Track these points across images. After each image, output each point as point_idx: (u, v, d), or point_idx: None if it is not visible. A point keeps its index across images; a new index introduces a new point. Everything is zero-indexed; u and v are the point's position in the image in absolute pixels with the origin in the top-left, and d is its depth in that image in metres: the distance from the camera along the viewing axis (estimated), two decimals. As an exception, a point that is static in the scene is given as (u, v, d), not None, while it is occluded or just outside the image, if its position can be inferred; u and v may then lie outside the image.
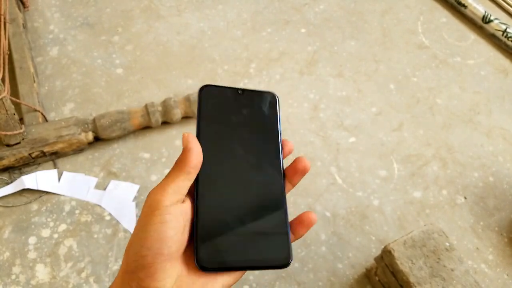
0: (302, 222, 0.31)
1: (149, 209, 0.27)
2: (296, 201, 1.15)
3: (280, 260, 0.29)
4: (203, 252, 0.28)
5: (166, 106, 1.21)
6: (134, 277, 0.26)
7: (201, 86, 0.33)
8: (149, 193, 0.28)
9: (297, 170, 0.32)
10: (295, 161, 0.32)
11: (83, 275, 1.01)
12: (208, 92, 0.32)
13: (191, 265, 0.28)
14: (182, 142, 0.30)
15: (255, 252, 0.29)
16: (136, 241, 0.27)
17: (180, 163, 0.29)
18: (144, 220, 0.27)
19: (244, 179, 0.30)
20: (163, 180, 0.29)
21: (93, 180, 1.15)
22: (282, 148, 0.33)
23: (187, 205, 0.29)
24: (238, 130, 0.32)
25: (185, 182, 0.28)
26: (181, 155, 0.29)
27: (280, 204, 0.30)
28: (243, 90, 0.34)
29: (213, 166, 0.30)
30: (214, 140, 0.31)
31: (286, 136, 1.29)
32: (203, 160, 0.30)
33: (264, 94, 0.34)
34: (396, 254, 0.87)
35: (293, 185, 0.33)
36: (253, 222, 0.29)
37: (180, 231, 0.27)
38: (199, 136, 0.31)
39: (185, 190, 0.29)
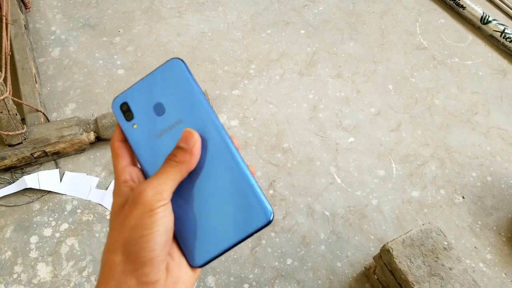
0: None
1: (149, 206, 0.27)
2: (295, 201, 1.16)
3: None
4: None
5: (166, 106, 1.22)
6: (134, 274, 0.26)
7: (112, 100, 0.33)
8: (143, 188, 0.28)
9: None
10: None
11: (85, 273, 1.02)
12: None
13: (172, 250, 0.29)
14: (184, 139, 0.29)
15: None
16: (140, 238, 0.26)
17: (182, 164, 0.29)
18: (142, 216, 0.27)
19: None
20: (158, 176, 0.28)
21: (95, 180, 1.16)
22: (211, 104, 0.32)
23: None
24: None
25: (179, 181, 0.29)
26: (183, 154, 0.29)
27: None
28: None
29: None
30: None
31: (286, 136, 1.30)
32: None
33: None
34: (394, 253, 0.88)
35: None
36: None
37: (172, 223, 0.29)
38: (130, 143, 0.31)
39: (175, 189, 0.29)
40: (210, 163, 0.30)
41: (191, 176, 0.30)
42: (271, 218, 0.29)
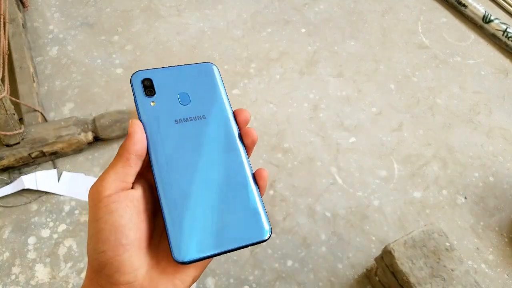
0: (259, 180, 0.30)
1: (92, 202, 0.26)
2: (296, 201, 1.15)
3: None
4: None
5: (166, 106, 1.21)
6: (102, 275, 0.25)
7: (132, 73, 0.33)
8: (90, 187, 0.27)
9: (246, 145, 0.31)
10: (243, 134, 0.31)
11: (83, 275, 1.01)
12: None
13: (159, 254, 0.27)
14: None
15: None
16: (91, 239, 0.25)
17: (119, 150, 0.28)
18: (91, 215, 0.26)
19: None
20: (103, 171, 0.27)
21: (93, 180, 1.15)
22: (234, 116, 0.32)
23: (138, 192, 0.27)
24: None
25: (125, 168, 0.27)
26: (125, 141, 0.28)
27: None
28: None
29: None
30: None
31: (287, 136, 1.28)
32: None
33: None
34: (396, 254, 0.87)
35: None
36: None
37: (134, 218, 0.26)
38: (142, 118, 0.30)
39: (129, 178, 0.27)
40: (219, 168, 0.30)
41: (198, 174, 0.29)
42: (267, 237, 0.28)
